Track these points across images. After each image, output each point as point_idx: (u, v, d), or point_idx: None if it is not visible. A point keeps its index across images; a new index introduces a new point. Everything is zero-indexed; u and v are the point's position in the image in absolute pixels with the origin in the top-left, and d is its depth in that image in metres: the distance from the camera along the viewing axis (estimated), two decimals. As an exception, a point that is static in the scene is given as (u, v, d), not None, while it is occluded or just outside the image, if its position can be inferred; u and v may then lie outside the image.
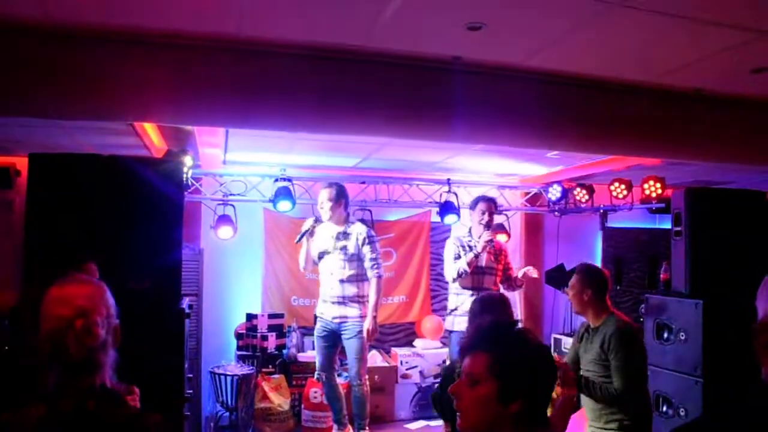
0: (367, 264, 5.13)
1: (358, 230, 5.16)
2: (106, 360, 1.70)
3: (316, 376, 5.37)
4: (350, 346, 5.10)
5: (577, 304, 3.66)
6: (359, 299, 5.13)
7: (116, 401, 1.70)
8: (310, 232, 5.18)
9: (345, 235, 5.13)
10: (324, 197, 5.12)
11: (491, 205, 5.45)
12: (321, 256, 5.21)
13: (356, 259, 5.11)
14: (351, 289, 5.11)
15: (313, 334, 5.56)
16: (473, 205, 5.54)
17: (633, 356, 3.40)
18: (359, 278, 5.15)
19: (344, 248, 5.09)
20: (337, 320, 5.10)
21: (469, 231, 5.54)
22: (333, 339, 5.19)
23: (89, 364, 1.66)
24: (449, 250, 5.48)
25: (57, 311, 1.65)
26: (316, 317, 5.34)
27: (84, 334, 1.63)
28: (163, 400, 3.19)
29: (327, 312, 5.16)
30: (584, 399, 3.57)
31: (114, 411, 1.66)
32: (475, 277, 5.35)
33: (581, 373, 3.59)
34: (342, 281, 5.10)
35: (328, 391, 5.28)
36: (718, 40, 3.18)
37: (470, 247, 5.37)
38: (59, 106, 3.30)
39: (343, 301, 5.10)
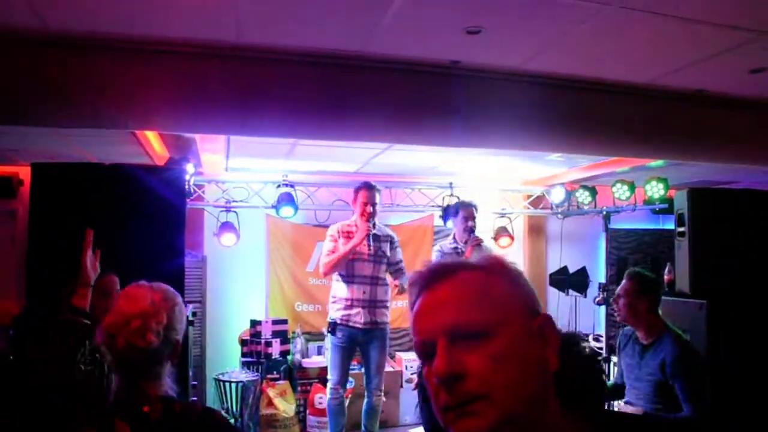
0: (396, 267, 5.09)
1: (388, 232, 5.12)
2: (161, 371, 1.74)
3: (332, 391, 4.95)
4: (379, 353, 5.00)
5: (629, 315, 3.38)
6: (387, 303, 5.07)
7: (190, 401, 1.76)
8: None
9: (381, 237, 5.02)
10: (378, 198, 4.96)
11: (472, 210, 5.41)
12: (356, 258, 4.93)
13: (386, 262, 5.08)
14: (382, 293, 5.03)
15: (317, 340, 5.50)
16: (455, 213, 5.53)
17: (703, 380, 3.15)
18: (386, 282, 5.09)
19: (381, 250, 5.00)
20: (368, 326, 4.91)
21: (453, 238, 5.50)
22: (354, 347, 4.99)
23: (142, 369, 1.69)
24: (433, 257, 5.57)
25: (121, 307, 1.72)
26: (335, 324, 4.91)
27: (136, 334, 1.68)
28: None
29: (355, 318, 4.87)
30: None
31: (196, 409, 1.74)
32: None
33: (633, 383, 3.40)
34: (375, 284, 4.99)
35: (337, 405, 4.99)
36: (717, 41, 3.19)
37: (457, 253, 5.33)
38: (59, 115, 3.31)
39: (375, 304, 4.98)
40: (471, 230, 5.32)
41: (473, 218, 5.37)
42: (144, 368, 1.70)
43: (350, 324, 4.87)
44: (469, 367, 0.90)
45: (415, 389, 3.28)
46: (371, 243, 4.88)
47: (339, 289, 4.94)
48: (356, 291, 4.89)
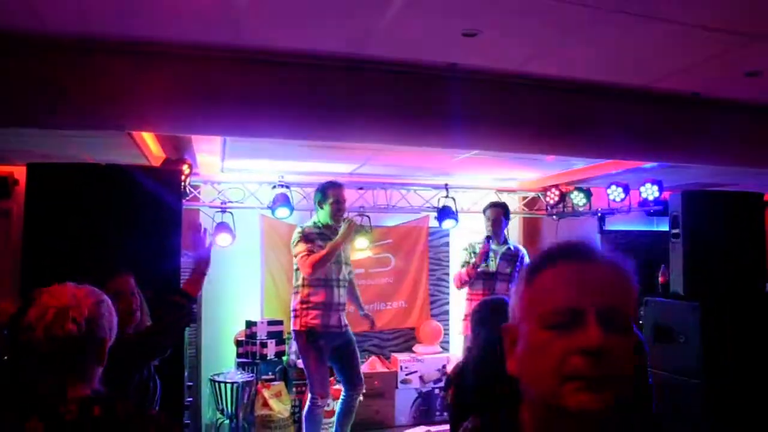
0: (350, 268, 5.08)
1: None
2: (85, 369, 1.70)
3: (321, 401, 4.79)
4: (355, 352, 4.98)
5: None
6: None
7: (117, 403, 1.70)
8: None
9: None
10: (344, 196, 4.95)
11: (495, 210, 5.63)
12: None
13: (348, 262, 5.07)
14: (345, 295, 5.00)
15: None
16: (484, 211, 5.75)
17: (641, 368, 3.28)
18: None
19: (345, 252, 4.98)
20: (345, 328, 4.89)
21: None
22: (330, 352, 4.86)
23: (63, 363, 1.66)
24: (461, 256, 5.72)
25: (42, 301, 1.70)
26: (314, 333, 4.72)
27: (55, 324, 1.65)
28: (163, 408, 3.20)
29: (334, 322, 4.79)
30: None
31: (121, 412, 1.66)
32: (486, 282, 5.49)
33: None
34: (345, 287, 4.98)
35: (320, 415, 4.87)
36: (711, 45, 3.21)
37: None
38: (55, 116, 3.31)
39: (345, 307, 4.97)
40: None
41: (495, 221, 5.56)
42: (65, 363, 1.66)
43: (330, 330, 4.75)
44: (616, 349, 0.96)
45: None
46: None
47: (315, 294, 4.74)
48: (335, 294, 4.79)
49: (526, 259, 5.64)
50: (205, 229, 3.19)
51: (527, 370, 1.03)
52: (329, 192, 4.82)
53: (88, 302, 1.73)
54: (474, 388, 1.81)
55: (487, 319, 3.27)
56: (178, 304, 2.75)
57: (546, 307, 1.01)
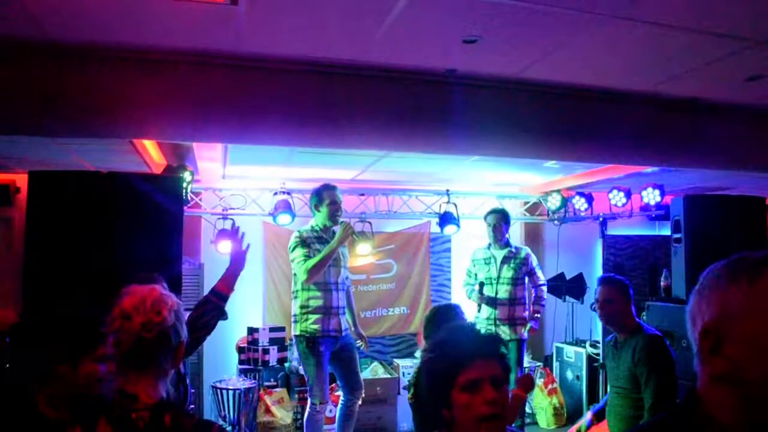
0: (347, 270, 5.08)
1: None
2: (162, 368, 1.71)
3: (321, 407, 4.71)
4: (354, 357, 4.95)
5: (615, 318, 3.52)
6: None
7: (185, 414, 1.72)
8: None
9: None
10: (341, 198, 4.95)
11: (495, 216, 5.72)
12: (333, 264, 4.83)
13: (346, 266, 5.06)
14: (344, 298, 4.98)
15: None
16: (484, 218, 5.86)
17: (668, 373, 3.25)
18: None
19: (342, 254, 4.95)
20: (345, 332, 4.86)
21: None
22: (330, 357, 4.81)
23: (149, 357, 1.67)
24: (466, 273, 5.97)
25: (134, 292, 1.72)
26: (314, 338, 4.66)
27: (152, 310, 1.68)
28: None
29: (334, 326, 4.75)
30: (609, 413, 3.51)
31: (188, 423, 1.67)
32: (490, 287, 5.66)
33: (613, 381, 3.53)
34: (344, 290, 4.95)
35: (319, 422, 4.79)
36: (712, 50, 3.21)
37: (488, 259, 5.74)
38: (56, 124, 3.32)
39: (344, 311, 4.93)
40: (495, 239, 5.72)
41: (494, 228, 5.69)
42: (148, 357, 1.67)
43: (330, 334, 4.71)
44: None
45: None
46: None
47: (314, 298, 4.72)
48: (334, 298, 4.76)
49: (532, 259, 5.71)
50: (243, 234, 3.36)
51: (750, 368, 1.07)
52: (324, 194, 4.81)
53: (173, 300, 1.75)
54: (426, 387, 1.86)
55: (438, 323, 3.38)
56: (211, 302, 2.93)
57: None
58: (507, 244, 5.73)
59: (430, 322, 3.52)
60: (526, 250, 5.80)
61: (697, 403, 1.15)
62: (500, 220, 5.67)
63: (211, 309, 2.94)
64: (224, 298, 3.01)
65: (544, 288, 5.73)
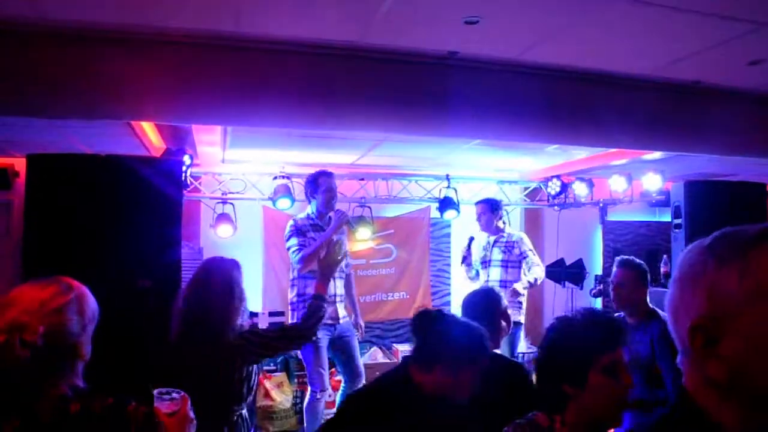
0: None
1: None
2: (62, 368, 1.68)
3: (321, 395, 4.76)
4: (352, 344, 4.95)
5: (628, 303, 3.54)
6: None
7: (96, 399, 1.67)
8: None
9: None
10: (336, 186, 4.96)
11: (480, 207, 5.81)
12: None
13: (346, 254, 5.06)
14: (342, 286, 4.99)
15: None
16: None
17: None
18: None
19: (342, 242, 4.94)
20: (344, 320, 4.88)
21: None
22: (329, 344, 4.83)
23: (34, 371, 1.62)
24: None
25: None
26: (329, 323, 4.66)
27: (3, 350, 1.59)
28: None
29: (332, 314, 4.69)
30: None
31: (98, 407, 1.63)
32: (483, 270, 5.76)
33: None
34: (342, 278, 4.95)
35: (319, 409, 4.81)
36: (714, 33, 3.18)
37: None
38: (55, 105, 3.29)
39: (342, 298, 4.96)
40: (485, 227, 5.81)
41: (479, 216, 5.80)
42: (33, 371, 1.62)
43: (328, 322, 4.62)
44: None
45: None
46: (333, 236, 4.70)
47: (311, 286, 4.44)
48: (331, 286, 4.63)
49: (524, 243, 5.64)
50: (343, 243, 3.65)
51: (755, 371, 0.89)
52: (320, 180, 4.80)
53: (44, 313, 1.65)
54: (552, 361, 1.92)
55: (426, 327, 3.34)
56: (315, 305, 3.19)
57: None
58: (498, 231, 5.74)
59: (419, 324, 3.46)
60: (518, 236, 5.76)
61: (692, 405, 0.98)
62: (484, 209, 5.74)
63: (317, 310, 3.20)
64: (323, 299, 3.24)
65: (539, 270, 5.56)
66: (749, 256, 0.92)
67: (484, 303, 3.13)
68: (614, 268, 3.67)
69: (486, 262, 5.72)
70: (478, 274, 5.83)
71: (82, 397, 1.65)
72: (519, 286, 5.42)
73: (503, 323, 3.09)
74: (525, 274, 5.56)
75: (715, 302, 0.92)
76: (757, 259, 0.91)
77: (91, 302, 1.81)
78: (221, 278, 2.98)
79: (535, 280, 5.50)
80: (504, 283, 5.50)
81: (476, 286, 5.66)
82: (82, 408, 1.61)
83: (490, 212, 5.73)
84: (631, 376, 1.79)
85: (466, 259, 5.88)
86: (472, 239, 5.87)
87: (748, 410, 0.91)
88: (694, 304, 0.95)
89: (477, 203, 5.90)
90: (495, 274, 5.64)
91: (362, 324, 5.19)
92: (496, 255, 5.66)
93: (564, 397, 1.81)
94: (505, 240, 5.69)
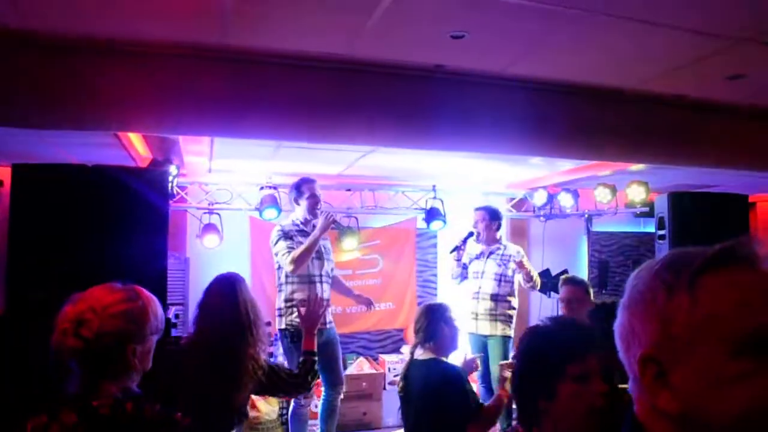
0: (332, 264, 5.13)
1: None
2: (113, 371, 1.80)
3: (305, 401, 4.86)
4: (336, 352, 4.95)
5: (578, 316, 3.66)
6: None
7: (147, 404, 1.80)
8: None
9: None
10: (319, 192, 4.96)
11: (478, 213, 5.65)
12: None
13: (331, 259, 5.08)
14: (329, 291, 4.99)
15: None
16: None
17: None
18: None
19: (324, 247, 4.96)
20: (329, 325, 4.88)
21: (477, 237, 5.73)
22: None
23: (90, 364, 1.77)
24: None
25: (66, 308, 1.82)
26: (298, 332, 4.47)
27: (64, 334, 1.76)
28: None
29: (324, 318, 4.69)
30: None
31: (149, 412, 1.76)
32: (475, 281, 5.58)
33: None
34: (328, 282, 4.95)
35: (303, 416, 4.85)
36: (693, 48, 3.23)
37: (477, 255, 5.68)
38: (41, 115, 3.29)
39: (329, 302, 4.91)
40: (477, 235, 5.64)
41: (476, 224, 5.64)
42: (90, 364, 1.77)
43: (318, 327, 4.70)
44: None
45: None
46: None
47: (298, 291, 4.72)
48: (318, 290, 4.74)
49: (521, 255, 5.50)
50: (327, 304, 3.74)
51: (707, 404, 0.86)
52: (304, 187, 4.83)
53: (106, 314, 1.79)
54: (524, 376, 1.93)
55: (432, 318, 3.52)
56: (311, 362, 3.29)
57: (757, 325, 0.84)
58: (495, 241, 5.62)
59: (424, 317, 3.54)
60: (515, 248, 5.63)
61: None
62: (482, 217, 5.61)
63: (309, 365, 3.29)
64: (314, 353, 3.35)
65: (535, 277, 5.49)
66: (698, 285, 0.89)
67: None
68: (561, 286, 3.87)
69: (479, 273, 5.55)
70: (463, 275, 5.65)
71: (133, 399, 1.78)
72: (524, 260, 5.38)
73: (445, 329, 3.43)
74: (521, 283, 5.52)
75: (666, 332, 0.89)
76: (706, 288, 0.88)
77: (156, 314, 1.93)
78: (228, 302, 3.16)
79: (535, 280, 5.46)
80: (496, 297, 5.41)
81: (460, 287, 5.68)
82: (134, 408, 1.74)
83: (488, 220, 5.57)
84: (603, 382, 1.79)
85: (458, 250, 5.65)
86: (471, 234, 5.64)
87: None
88: (644, 333, 0.92)
89: (476, 210, 5.73)
90: (487, 287, 5.46)
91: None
92: (491, 267, 5.50)
93: (539, 411, 1.81)
94: (501, 253, 5.55)
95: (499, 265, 5.49)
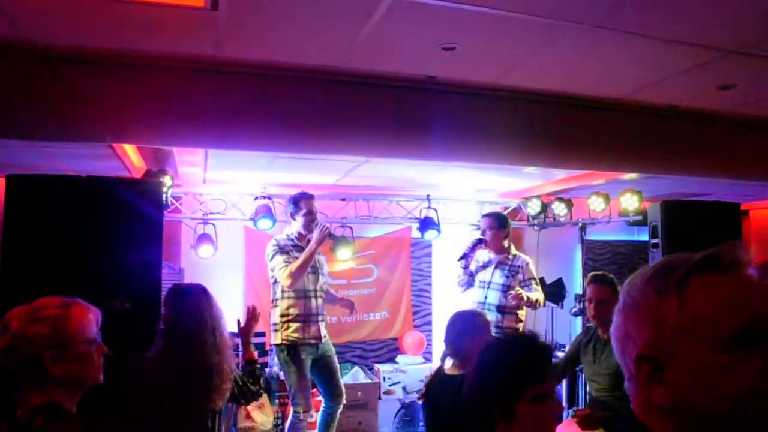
0: (326, 277, 5.16)
1: None
2: (32, 380, 1.79)
3: (303, 415, 4.75)
4: (334, 364, 4.97)
5: (606, 318, 3.50)
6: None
7: (64, 420, 1.78)
8: None
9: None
10: (316, 208, 4.98)
11: (486, 220, 5.45)
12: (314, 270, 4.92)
13: (325, 273, 5.12)
14: (323, 305, 5.02)
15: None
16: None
17: None
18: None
19: (318, 262, 5.00)
20: (324, 339, 4.89)
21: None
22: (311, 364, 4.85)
23: (12, 374, 1.78)
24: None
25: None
26: (294, 346, 4.72)
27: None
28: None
29: (313, 333, 4.78)
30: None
31: (55, 428, 1.74)
32: (480, 291, 5.37)
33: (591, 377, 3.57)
34: (322, 297, 4.98)
35: (301, 430, 4.80)
36: (685, 59, 3.26)
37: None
38: (35, 126, 3.29)
39: (323, 317, 4.97)
40: (483, 242, 5.38)
41: (483, 231, 5.41)
42: (12, 375, 1.79)
43: (309, 341, 4.74)
44: None
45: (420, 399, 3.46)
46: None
47: (294, 306, 4.75)
48: (312, 305, 4.79)
49: (529, 271, 5.32)
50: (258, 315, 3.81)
51: (697, 395, 0.95)
52: (301, 203, 4.85)
53: (27, 318, 1.80)
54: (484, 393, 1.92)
55: (461, 328, 3.37)
56: (252, 370, 3.55)
57: (727, 322, 0.94)
58: (504, 251, 5.41)
59: (451, 327, 3.44)
60: (525, 259, 5.40)
61: (642, 429, 1.03)
62: (489, 224, 5.39)
63: (252, 373, 3.53)
64: (254, 362, 3.60)
65: (539, 294, 5.23)
66: (685, 287, 0.98)
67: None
68: (587, 285, 3.70)
69: (486, 283, 5.34)
70: (470, 283, 5.45)
71: (47, 413, 1.75)
72: (519, 290, 5.03)
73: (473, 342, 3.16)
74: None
75: (659, 332, 0.99)
76: (692, 291, 0.97)
77: (83, 323, 1.89)
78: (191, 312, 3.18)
79: (537, 301, 5.14)
80: (502, 309, 5.17)
81: (463, 296, 5.60)
82: (44, 423, 1.72)
83: (496, 228, 5.35)
84: (560, 402, 1.86)
85: (466, 257, 5.38)
86: (480, 241, 5.38)
87: None
88: (639, 334, 1.01)
89: (483, 217, 5.57)
90: (493, 298, 5.24)
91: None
92: (497, 278, 5.28)
93: (495, 429, 1.85)
94: (509, 263, 5.32)
95: (507, 276, 5.25)
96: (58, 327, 1.81)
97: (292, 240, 4.85)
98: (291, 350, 4.69)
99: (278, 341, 4.78)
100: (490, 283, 5.32)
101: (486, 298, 5.30)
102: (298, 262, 4.64)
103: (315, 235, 4.71)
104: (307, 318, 4.76)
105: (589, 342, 3.71)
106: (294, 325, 4.73)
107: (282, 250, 4.76)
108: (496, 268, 5.34)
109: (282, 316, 4.78)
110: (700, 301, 0.97)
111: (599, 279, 3.70)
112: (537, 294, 5.18)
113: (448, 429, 3.13)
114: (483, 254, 5.46)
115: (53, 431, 1.72)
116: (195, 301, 3.17)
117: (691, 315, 0.96)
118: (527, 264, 5.33)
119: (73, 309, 1.88)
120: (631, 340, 1.03)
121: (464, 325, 3.34)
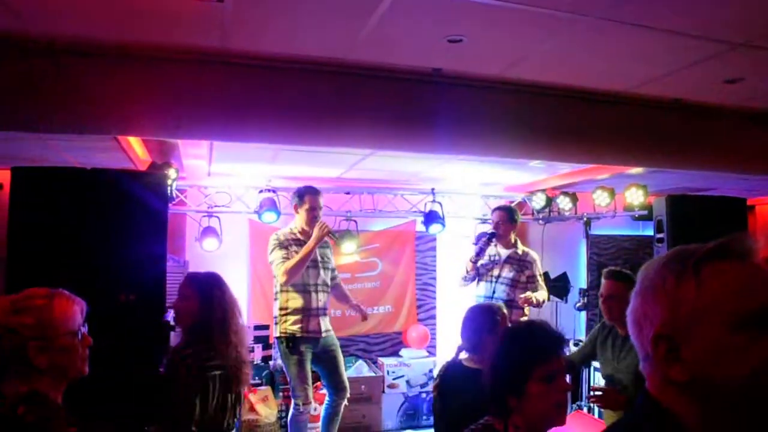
0: (334, 273, 5.14)
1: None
2: (14, 368, 1.79)
3: (304, 407, 4.75)
4: (337, 357, 4.97)
5: (621, 315, 3.43)
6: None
7: (46, 409, 1.78)
8: None
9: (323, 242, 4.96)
10: (321, 203, 4.96)
11: (498, 214, 5.43)
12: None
13: (331, 267, 5.10)
14: (327, 299, 5.02)
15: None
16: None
17: None
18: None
19: (326, 256, 5.02)
20: (326, 333, 4.89)
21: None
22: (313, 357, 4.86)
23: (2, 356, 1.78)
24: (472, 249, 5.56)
25: None
26: (294, 339, 4.72)
27: None
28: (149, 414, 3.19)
29: (314, 327, 4.78)
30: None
31: (33, 416, 1.73)
32: (488, 286, 5.32)
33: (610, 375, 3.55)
34: (326, 292, 4.97)
35: (302, 422, 4.79)
36: (692, 52, 3.24)
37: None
38: (42, 119, 3.29)
39: (326, 312, 4.96)
40: (494, 235, 5.34)
41: (496, 224, 5.37)
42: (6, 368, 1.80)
43: (310, 334, 4.75)
44: None
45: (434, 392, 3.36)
46: (317, 249, 4.80)
47: (292, 299, 4.77)
48: (312, 300, 4.80)
49: (536, 267, 5.33)
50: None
51: (713, 372, 1.01)
52: (306, 198, 4.85)
53: (11, 309, 1.81)
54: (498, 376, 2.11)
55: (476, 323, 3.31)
56: None
57: (760, 306, 1.00)
58: (513, 245, 5.40)
59: (468, 323, 3.34)
60: (533, 256, 5.40)
61: (656, 406, 1.08)
62: (501, 217, 5.36)
63: None
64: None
65: (544, 294, 5.26)
66: (702, 271, 1.04)
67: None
68: (603, 280, 3.64)
69: (493, 278, 5.30)
70: (475, 277, 5.40)
71: (29, 402, 1.76)
72: (528, 294, 5.04)
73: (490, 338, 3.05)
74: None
75: (676, 313, 1.04)
76: (709, 274, 1.03)
77: (67, 314, 1.88)
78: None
79: (542, 300, 5.19)
80: (510, 304, 5.06)
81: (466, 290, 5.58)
82: (24, 412, 1.72)
83: (508, 222, 5.34)
84: (568, 381, 2.02)
85: (480, 254, 5.30)
86: (493, 235, 5.31)
87: (709, 407, 1.02)
88: (656, 315, 1.07)
89: (495, 210, 5.52)
90: (501, 292, 5.22)
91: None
92: (506, 272, 5.27)
93: (509, 406, 2.02)
94: (518, 258, 5.32)
95: (515, 271, 5.26)
96: (42, 317, 1.81)
97: (295, 234, 4.86)
98: (290, 342, 4.72)
99: (278, 333, 4.82)
100: (498, 277, 5.30)
101: (494, 292, 5.28)
102: (294, 259, 4.66)
103: (314, 233, 4.73)
104: (306, 312, 4.77)
105: (606, 338, 3.66)
106: (292, 318, 4.75)
107: (281, 245, 4.77)
108: (505, 262, 5.32)
109: (281, 309, 4.81)
110: (717, 283, 1.02)
111: (613, 275, 3.62)
112: (542, 294, 5.22)
113: (466, 420, 3.11)
114: (491, 248, 5.41)
115: (35, 419, 1.72)
116: (223, 290, 3.19)
117: (709, 296, 1.02)
118: (536, 261, 5.36)
119: (57, 300, 1.87)
120: (648, 321, 1.08)
121: (483, 320, 3.29)
